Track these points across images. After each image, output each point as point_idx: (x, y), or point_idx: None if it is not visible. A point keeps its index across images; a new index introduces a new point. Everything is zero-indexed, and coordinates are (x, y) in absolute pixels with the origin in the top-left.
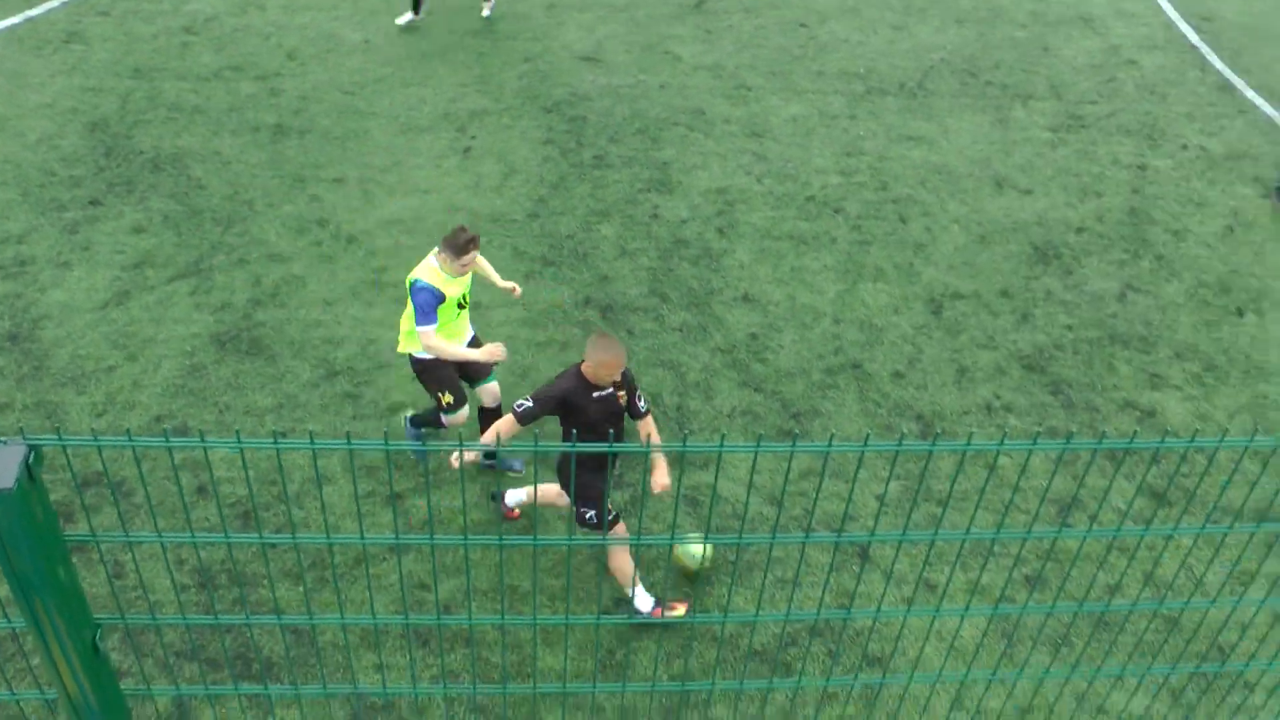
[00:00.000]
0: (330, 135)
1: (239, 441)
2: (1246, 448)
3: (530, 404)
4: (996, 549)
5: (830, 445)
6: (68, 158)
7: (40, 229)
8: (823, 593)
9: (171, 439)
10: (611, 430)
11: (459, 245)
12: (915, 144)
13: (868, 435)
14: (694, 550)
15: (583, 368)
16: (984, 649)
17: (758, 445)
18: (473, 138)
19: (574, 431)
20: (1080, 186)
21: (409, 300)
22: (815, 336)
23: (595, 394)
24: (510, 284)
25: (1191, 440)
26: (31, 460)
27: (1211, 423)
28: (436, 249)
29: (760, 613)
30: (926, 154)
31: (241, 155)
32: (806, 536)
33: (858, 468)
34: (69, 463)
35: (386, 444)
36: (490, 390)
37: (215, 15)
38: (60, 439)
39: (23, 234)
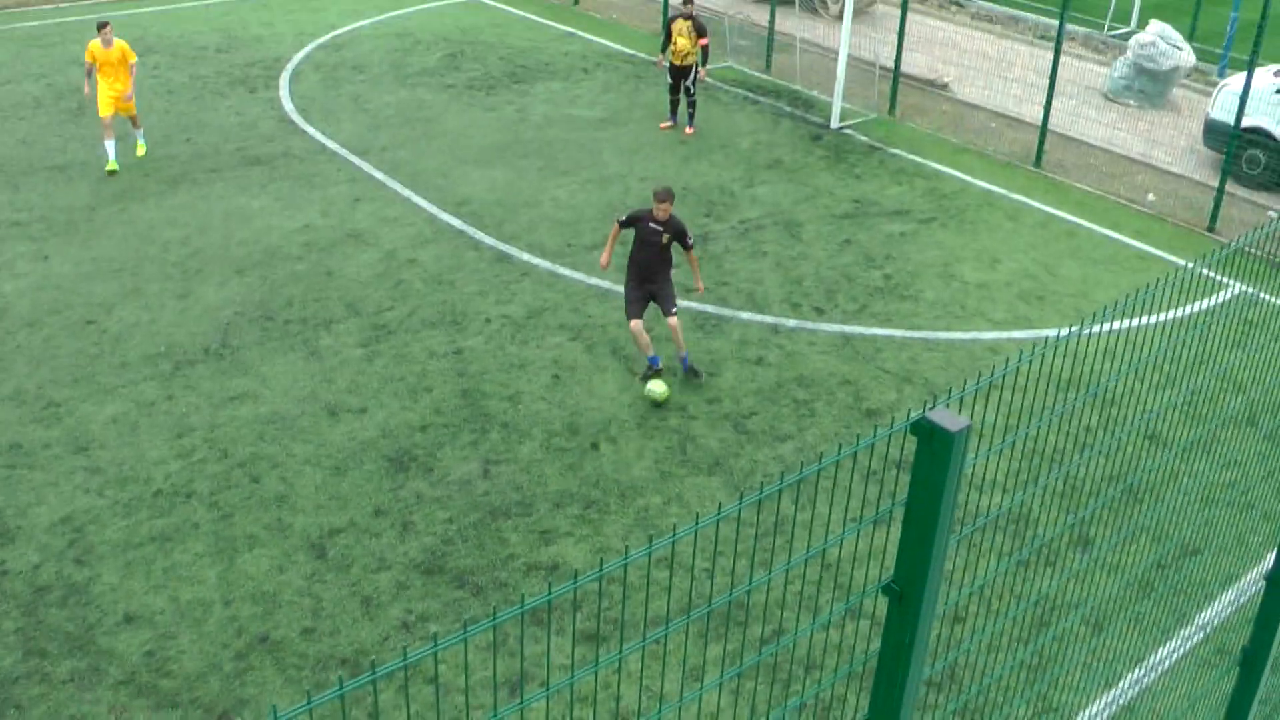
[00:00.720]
0: None
1: None
2: (625, 565)
3: None
4: None
5: None
6: None
7: None
8: None
9: None
10: None
11: None
12: (240, 402)
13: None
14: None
15: None
16: None
17: None
18: None
19: None
20: (409, 389)
21: None
22: (212, 628)
23: None
24: None
25: (575, 580)
26: None
27: (610, 551)
28: None
29: None
30: (255, 408)
31: None
32: None
33: None
34: None
35: None
36: None
37: None
38: None
39: None
